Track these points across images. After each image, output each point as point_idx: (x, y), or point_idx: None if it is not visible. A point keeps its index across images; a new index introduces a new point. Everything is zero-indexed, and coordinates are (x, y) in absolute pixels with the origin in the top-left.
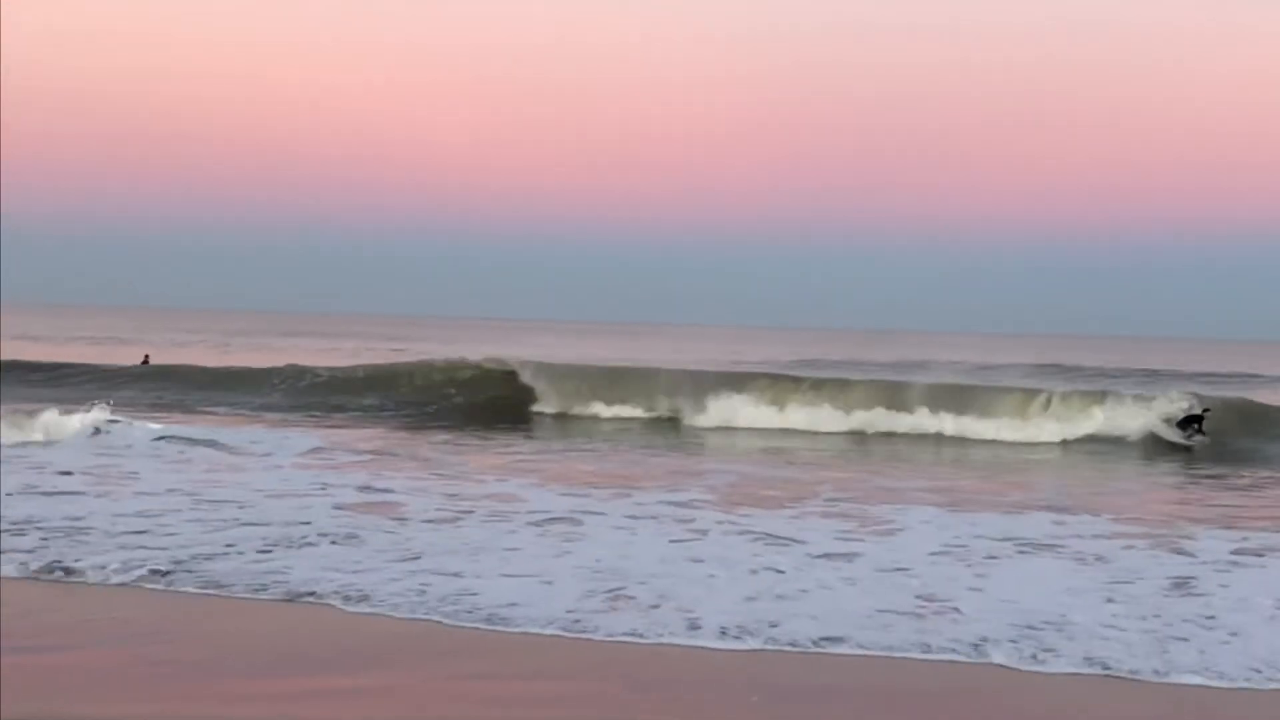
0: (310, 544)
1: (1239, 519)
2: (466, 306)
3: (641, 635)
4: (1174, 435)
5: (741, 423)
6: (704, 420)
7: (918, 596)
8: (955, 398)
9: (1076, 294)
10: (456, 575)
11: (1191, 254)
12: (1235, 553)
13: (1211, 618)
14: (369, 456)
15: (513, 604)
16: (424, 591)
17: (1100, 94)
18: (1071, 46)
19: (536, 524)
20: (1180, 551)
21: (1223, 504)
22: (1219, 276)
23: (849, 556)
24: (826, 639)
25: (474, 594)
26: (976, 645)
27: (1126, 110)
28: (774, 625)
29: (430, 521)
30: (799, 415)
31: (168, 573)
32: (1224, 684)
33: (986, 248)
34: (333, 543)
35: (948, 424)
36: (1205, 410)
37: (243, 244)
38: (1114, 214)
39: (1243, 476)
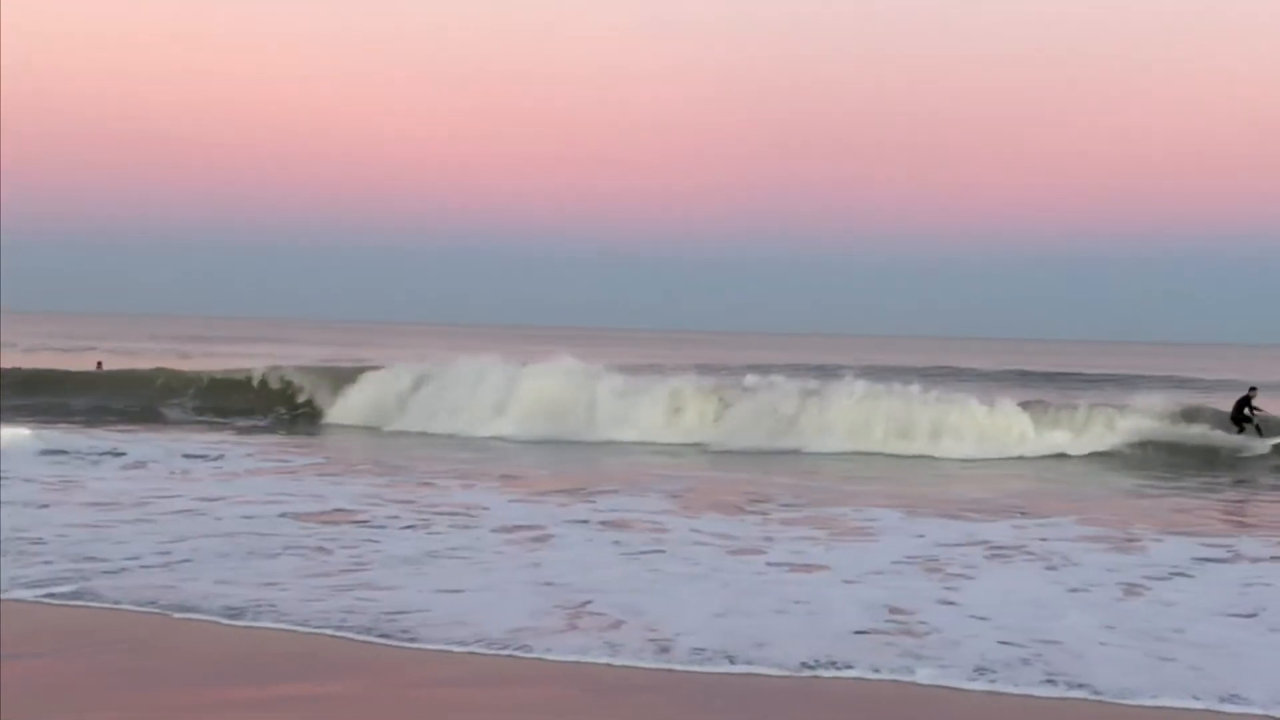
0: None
1: (1197, 524)
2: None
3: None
4: (1239, 438)
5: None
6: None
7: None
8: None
9: (1044, 297)
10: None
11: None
12: (1198, 559)
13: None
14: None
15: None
16: (355, 608)
17: (1090, 89)
18: (1054, 43)
19: (504, 530)
20: (1149, 559)
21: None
22: (1179, 280)
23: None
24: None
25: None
26: (960, 668)
27: (1120, 106)
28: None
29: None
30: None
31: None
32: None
33: (960, 250)
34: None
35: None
36: (1252, 389)
37: (238, 247)
38: (1086, 217)
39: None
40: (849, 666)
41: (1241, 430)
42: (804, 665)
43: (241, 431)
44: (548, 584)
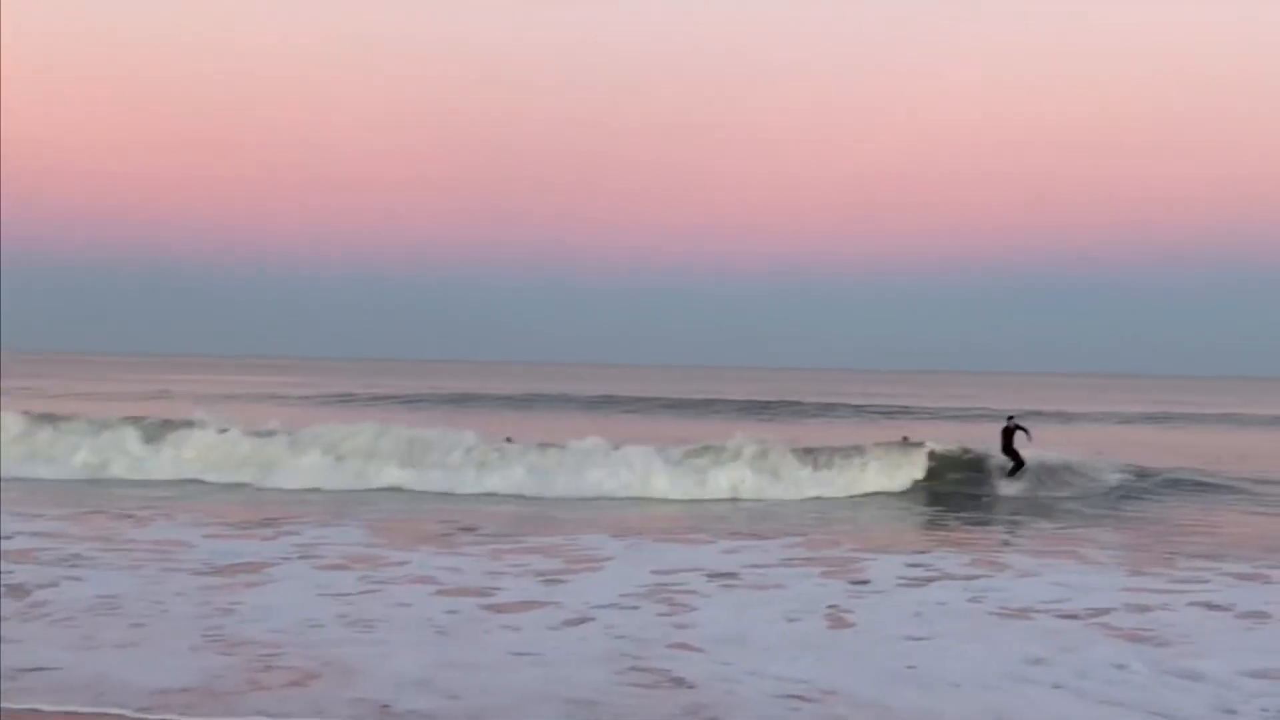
0: None
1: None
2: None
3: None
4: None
5: None
6: None
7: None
8: None
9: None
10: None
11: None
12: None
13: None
14: None
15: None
16: None
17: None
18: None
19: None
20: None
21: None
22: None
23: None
24: None
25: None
26: None
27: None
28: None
29: None
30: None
31: None
32: None
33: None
34: None
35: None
36: (1010, 418)
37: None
38: (779, 242)
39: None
40: None
41: (1016, 463)
42: None
43: None
44: (222, 633)
